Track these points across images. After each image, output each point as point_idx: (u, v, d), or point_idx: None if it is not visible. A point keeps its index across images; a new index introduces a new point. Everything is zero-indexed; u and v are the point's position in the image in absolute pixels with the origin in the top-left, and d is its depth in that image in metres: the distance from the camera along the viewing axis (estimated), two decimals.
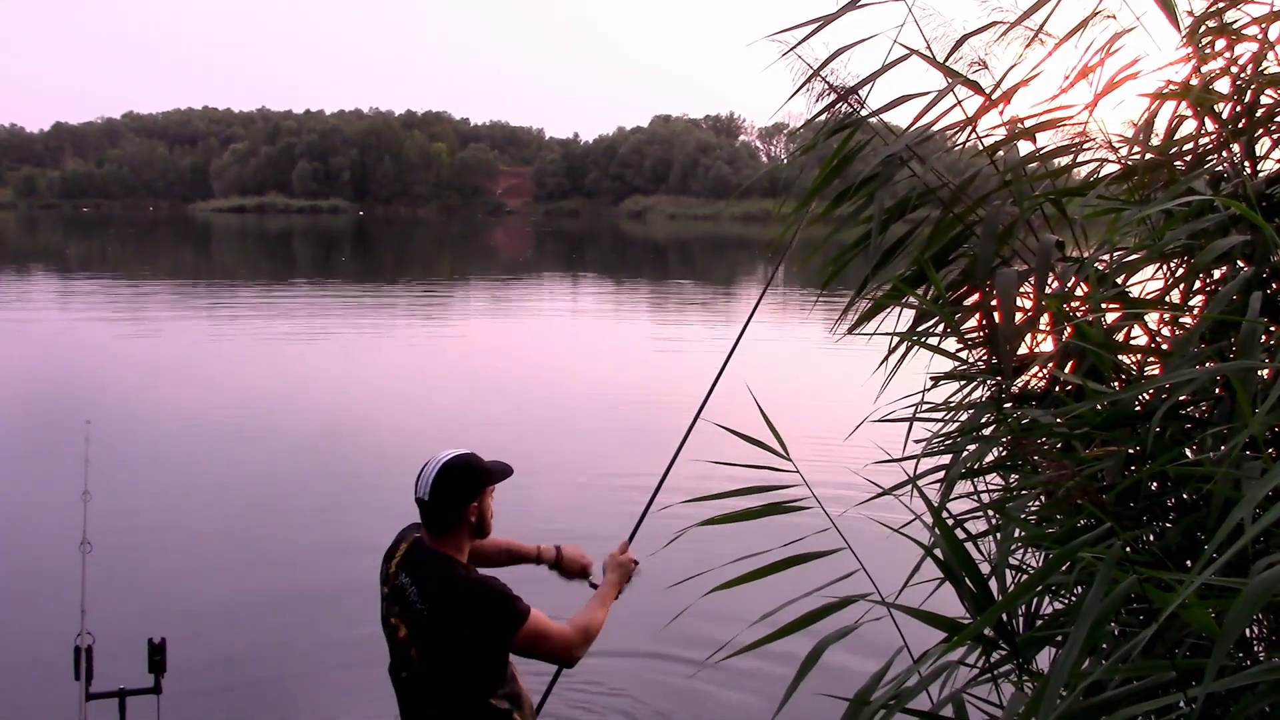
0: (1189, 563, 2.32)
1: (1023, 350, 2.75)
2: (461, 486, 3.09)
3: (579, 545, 3.62)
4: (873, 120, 3.00)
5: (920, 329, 2.99)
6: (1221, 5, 2.74)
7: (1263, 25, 2.69)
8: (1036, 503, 2.64)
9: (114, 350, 16.91)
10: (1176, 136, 2.92)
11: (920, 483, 2.57)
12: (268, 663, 5.65)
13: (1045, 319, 2.65)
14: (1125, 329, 2.72)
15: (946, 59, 2.87)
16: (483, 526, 3.20)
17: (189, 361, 15.75)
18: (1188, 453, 2.40)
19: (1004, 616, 2.27)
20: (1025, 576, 2.80)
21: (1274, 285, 2.41)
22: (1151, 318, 2.72)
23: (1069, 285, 2.64)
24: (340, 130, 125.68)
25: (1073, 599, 2.59)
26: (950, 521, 2.56)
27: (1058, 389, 2.65)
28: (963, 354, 2.95)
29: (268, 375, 14.67)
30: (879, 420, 3.00)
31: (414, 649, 3.05)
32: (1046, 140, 2.98)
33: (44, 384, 13.90)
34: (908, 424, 2.96)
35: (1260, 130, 2.72)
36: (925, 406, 3.01)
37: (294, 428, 11.31)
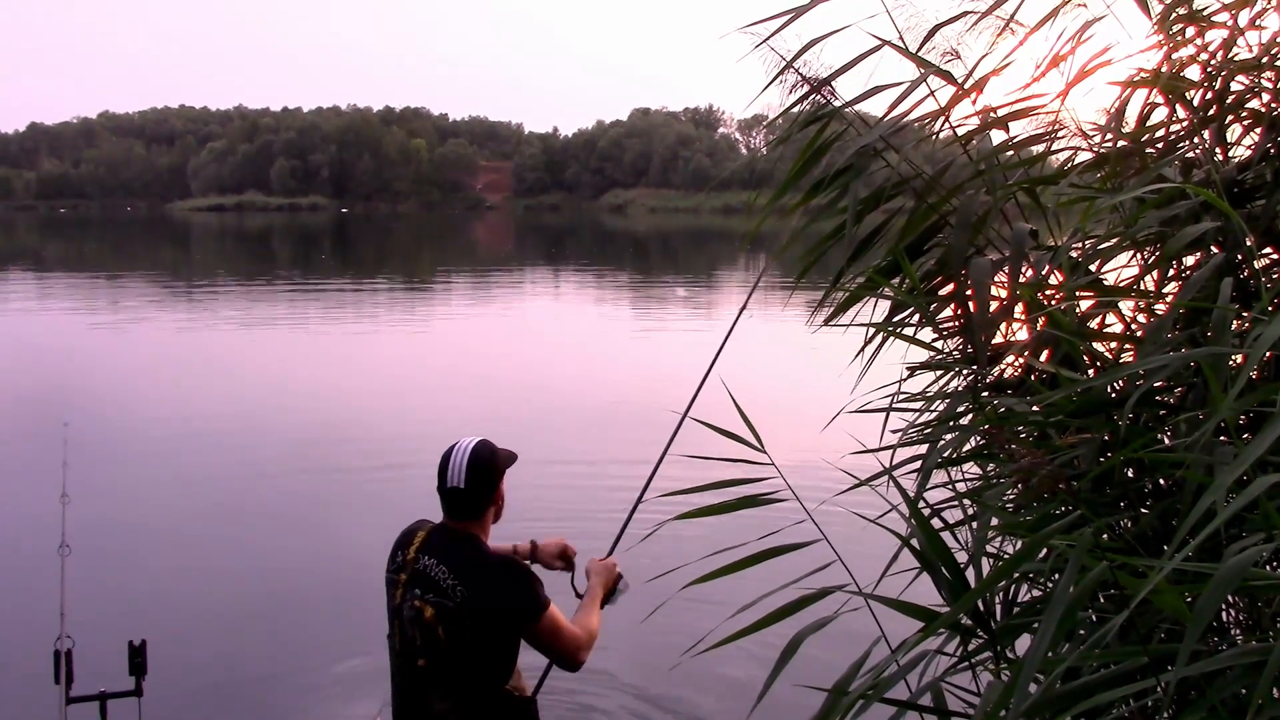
0: (1165, 548, 2.33)
1: (998, 339, 2.76)
2: (491, 471, 3.19)
3: (561, 536, 3.62)
4: (847, 111, 2.99)
5: (896, 319, 3.00)
6: None
7: (1232, 12, 2.70)
8: (1013, 491, 2.65)
9: (92, 351, 16.82)
10: (1148, 124, 2.93)
11: (896, 473, 2.58)
12: (249, 664, 5.63)
13: (1019, 308, 2.65)
14: (1099, 316, 2.73)
15: (919, 49, 2.87)
16: (501, 510, 3.28)
17: (168, 362, 15.66)
18: (1165, 440, 2.41)
19: (981, 605, 2.28)
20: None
21: (1244, 271, 2.42)
22: (1125, 305, 2.72)
23: (1043, 274, 2.65)
24: (318, 127, 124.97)
25: (1050, 586, 2.60)
26: (927, 511, 2.56)
27: (1033, 377, 2.66)
28: (938, 344, 2.95)
29: (248, 375, 14.60)
30: (855, 411, 3.00)
31: (442, 628, 3.04)
32: (1019, 129, 2.99)
33: (21, 386, 13.81)
34: (884, 414, 2.96)
35: (1230, 117, 2.74)
36: (901, 397, 3.01)
37: (274, 428, 11.26)
